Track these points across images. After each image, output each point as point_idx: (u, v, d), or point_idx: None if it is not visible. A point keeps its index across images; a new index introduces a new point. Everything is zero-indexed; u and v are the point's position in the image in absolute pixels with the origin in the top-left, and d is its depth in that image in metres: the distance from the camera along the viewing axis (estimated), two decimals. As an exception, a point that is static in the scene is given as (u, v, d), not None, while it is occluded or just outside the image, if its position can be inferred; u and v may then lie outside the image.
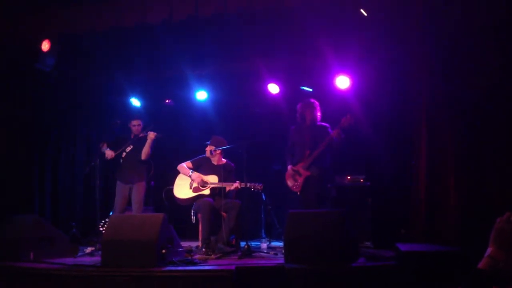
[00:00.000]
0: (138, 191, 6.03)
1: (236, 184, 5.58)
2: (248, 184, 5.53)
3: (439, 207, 4.76)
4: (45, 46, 5.83)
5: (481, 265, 2.00)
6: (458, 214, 4.55)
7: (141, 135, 6.14)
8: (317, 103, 5.87)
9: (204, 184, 5.77)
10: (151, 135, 6.02)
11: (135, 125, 6.20)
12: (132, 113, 6.53)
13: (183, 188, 5.84)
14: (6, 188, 6.17)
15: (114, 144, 6.15)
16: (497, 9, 4.51)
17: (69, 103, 7.43)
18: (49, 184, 7.11)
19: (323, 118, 5.92)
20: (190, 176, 5.82)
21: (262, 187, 5.54)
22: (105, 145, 6.11)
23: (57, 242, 5.32)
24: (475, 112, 4.62)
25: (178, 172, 5.96)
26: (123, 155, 6.13)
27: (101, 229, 6.18)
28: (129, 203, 6.13)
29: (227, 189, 5.68)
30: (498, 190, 4.34)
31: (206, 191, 5.73)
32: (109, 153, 6.02)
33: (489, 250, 2.02)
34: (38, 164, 6.96)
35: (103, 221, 6.34)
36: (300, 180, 5.61)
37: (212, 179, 5.79)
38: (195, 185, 5.80)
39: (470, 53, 4.69)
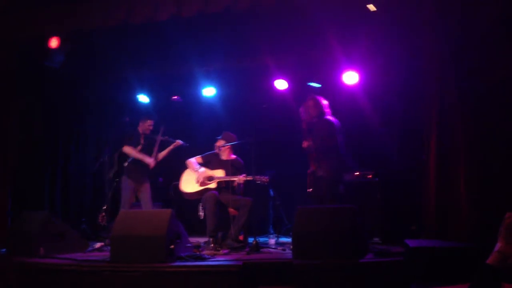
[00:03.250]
0: (146, 190, 6.12)
1: (241, 177, 5.59)
2: (254, 177, 5.52)
3: (449, 203, 4.72)
4: (54, 43, 5.86)
5: (490, 260, 1.99)
6: (468, 210, 4.51)
7: (168, 139, 6.19)
8: (310, 99, 5.54)
9: (210, 178, 5.78)
10: (178, 143, 6.17)
11: (150, 125, 6.20)
12: (147, 112, 6.43)
13: (189, 182, 5.87)
14: (18, 184, 6.23)
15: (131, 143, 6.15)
16: (509, 3, 4.46)
17: (79, 99, 7.47)
18: (60, 180, 7.17)
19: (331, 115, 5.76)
20: (196, 172, 5.84)
21: (268, 179, 5.52)
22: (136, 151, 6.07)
23: (67, 237, 5.37)
24: (487, 108, 4.58)
25: (185, 168, 6.00)
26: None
27: (100, 221, 6.23)
28: (135, 199, 6.20)
29: (235, 183, 5.68)
30: (509, 185, 4.30)
31: (212, 185, 5.75)
32: (152, 162, 6.04)
33: (498, 245, 2.01)
34: (49, 160, 7.01)
35: (101, 214, 6.33)
36: (310, 180, 5.49)
37: (219, 173, 5.81)
38: (202, 179, 5.81)
39: (481, 48, 4.64)
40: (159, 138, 6.13)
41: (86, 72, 7.20)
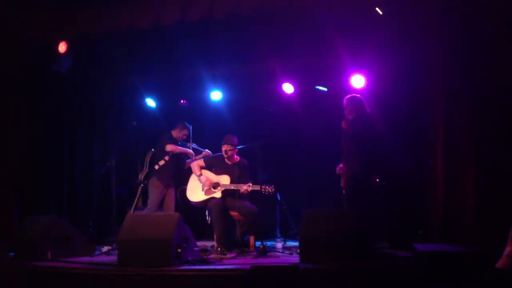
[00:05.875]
0: (172, 194, 6.22)
1: (246, 187, 5.54)
2: (259, 187, 5.49)
3: (457, 207, 4.70)
4: (62, 47, 5.90)
5: (499, 264, 1.98)
6: (476, 214, 4.49)
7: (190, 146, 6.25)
8: (350, 98, 5.46)
9: (215, 186, 5.76)
10: (207, 153, 6.25)
11: (185, 134, 6.32)
12: (185, 122, 6.44)
13: (196, 191, 5.83)
14: (25, 188, 6.25)
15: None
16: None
17: (86, 103, 7.50)
18: (67, 183, 7.19)
19: (339, 118, 5.71)
20: (199, 179, 5.83)
21: (273, 189, 5.47)
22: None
23: (75, 241, 5.39)
24: (493, 110, 4.55)
25: (191, 171, 6.00)
26: (166, 158, 6.17)
27: None
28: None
29: (240, 191, 5.65)
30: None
31: (217, 194, 5.70)
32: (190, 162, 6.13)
33: (508, 249, 2.00)
34: (56, 164, 7.03)
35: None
36: (343, 181, 5.36)
37: (224, 179, 5.76)
38: (207, 187, 5.80)
39: (487, 49, 4.63)
40: (190, 145, 6.22)
41: (93, 76, 7.22)
